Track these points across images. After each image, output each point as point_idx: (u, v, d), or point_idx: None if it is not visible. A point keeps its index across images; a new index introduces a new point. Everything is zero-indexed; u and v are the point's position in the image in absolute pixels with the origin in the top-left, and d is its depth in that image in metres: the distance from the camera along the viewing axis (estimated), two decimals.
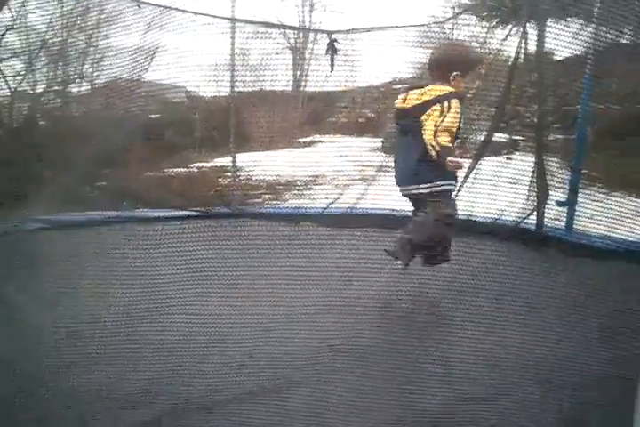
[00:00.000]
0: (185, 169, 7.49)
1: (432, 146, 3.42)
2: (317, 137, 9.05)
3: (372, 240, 3.60)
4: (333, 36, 4.69)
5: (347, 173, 6.76)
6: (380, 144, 8.75)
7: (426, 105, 3.55)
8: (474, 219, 4.00)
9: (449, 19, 5.07)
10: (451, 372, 2.63)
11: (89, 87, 8.19)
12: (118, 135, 7.89)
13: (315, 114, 9.64)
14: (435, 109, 3.50)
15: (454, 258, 3.39)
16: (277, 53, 9.36)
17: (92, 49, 7.24)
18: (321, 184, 6.93)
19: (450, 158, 3.35)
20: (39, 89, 7.50)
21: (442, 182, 3.55)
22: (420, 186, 3.56)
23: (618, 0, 4.13)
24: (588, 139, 4.60)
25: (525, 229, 4.36)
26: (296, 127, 9.25)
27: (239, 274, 3.04)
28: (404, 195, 3.74)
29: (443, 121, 3.44)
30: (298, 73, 9.39)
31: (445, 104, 3.48)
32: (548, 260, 3.93)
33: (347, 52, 7.72)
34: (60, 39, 6.83)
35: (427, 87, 3.63)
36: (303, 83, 9.28)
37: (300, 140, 9.06)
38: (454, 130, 3.50)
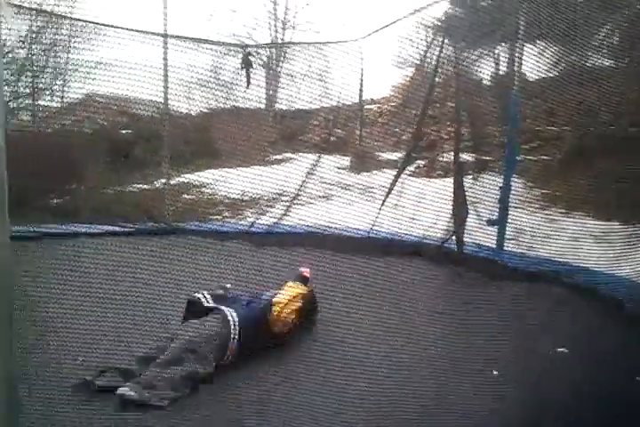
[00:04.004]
0: (149, 186, 7.43)
1: None
2: (289, 155, 9.03)
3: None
4: (248, 50, 4.67)
5: (311, 190, 6.72)
6: (349, 163, 8.76)
7: None
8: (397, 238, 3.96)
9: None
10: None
11: (59, 102, 8.16)
12: (87, 150, 7.88)
13: (287, 132, 9.62)
14: None
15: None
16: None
17: (59, 64, 7.24)
18: (284, 201, 6.88)
19: None
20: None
21: None
22: None
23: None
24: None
25: (448, 249, 4.27)
26: (267, 145, 9.22)
27: None
28: None
29: None
30: (270, 91, 9.36)
31: None
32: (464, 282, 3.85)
33: (320, 70, 7.75)
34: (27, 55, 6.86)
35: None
36: (276, 100, 9.25)
37: (271, 157, 9.03)
38: None
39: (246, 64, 4.97)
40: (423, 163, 8.24)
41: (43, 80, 7.52)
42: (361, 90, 6.26)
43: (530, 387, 2.58)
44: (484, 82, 4.63)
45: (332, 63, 6.33)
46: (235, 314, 3.08)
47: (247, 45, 4.98)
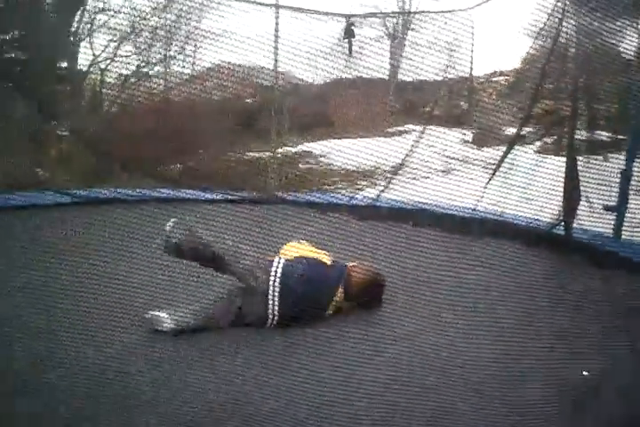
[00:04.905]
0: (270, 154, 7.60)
1: None
2: (409, 126, 8.90)
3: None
4: (350, 20, 4.56)
5: (430, 164, 6.57)
6: (471, 137, 8.49)
7: None
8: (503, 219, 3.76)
9: None
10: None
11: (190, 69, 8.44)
12: (214, 118, 8.14)
13: (408, 103, 9.48)
14: None
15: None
16: (376, 40, 9.25)
17: (189, 32, 7.47)
18: (400, 175, 6.80)
19: None
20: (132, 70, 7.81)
21: None
22: None
23: None
24: None
25: (555, 235, 3.97)
26: (387, 116, 9.13)
27: None
28: None
29: None
30: (395, 61, 9.21)
31: None
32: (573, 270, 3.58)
33: (448, 40, 7.50)
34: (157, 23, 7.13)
35: None
36: (399, 71, 9.10)
37: (391, 129, 8.94)
38: None
39: (348, 34, 4.94)
40: (550, 140, 7.84)
41: (174, 48, 7.83)
42: (471, 62, 6.01)
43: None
44: (613, 54, 4.27)
45: (455, 33, 6.10)
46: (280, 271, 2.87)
47: (350, 15, 4.90)
